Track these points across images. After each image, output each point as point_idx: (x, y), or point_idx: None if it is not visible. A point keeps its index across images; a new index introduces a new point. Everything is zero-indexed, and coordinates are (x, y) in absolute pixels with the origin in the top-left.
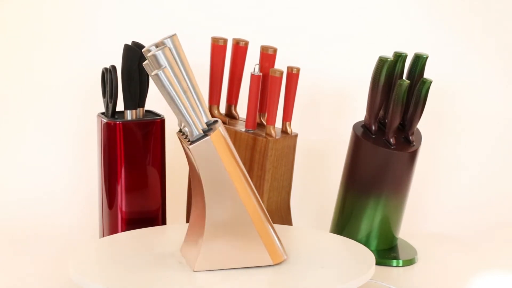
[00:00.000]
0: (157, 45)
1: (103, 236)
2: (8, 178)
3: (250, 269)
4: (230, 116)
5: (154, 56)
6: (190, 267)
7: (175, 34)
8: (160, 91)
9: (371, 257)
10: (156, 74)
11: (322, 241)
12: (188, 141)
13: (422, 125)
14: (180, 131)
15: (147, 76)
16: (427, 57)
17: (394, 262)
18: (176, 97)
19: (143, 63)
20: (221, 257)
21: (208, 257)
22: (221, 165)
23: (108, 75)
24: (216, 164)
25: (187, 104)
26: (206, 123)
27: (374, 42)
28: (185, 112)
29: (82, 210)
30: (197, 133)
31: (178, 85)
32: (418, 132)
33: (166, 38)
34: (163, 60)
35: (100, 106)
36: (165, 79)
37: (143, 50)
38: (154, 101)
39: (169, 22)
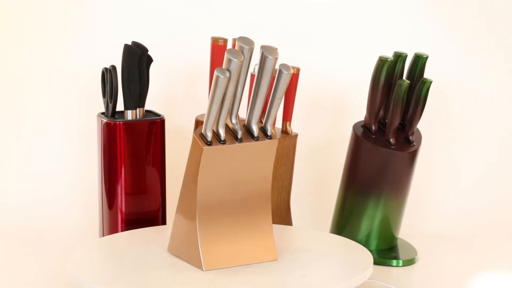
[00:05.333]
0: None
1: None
2: (8, 179)
3: (248, 268)
4: None
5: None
6: (256, 262)
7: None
8: (282, 90)
9: (369, 257)
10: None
11: (322, 241)
12: (255, 139)
13: (422, 125)
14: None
15: (147, 76)
16: (427, 57)
17: (394, 262)
18: None
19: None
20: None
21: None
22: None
23: (108, 75)
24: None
25: None
26: None
27: (374, 42)
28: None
29: (82, 211)
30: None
31: None
32: (418, 132)
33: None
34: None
35: (100, 106)
36: None
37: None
38: (154, 101)
39: (169, 22)
